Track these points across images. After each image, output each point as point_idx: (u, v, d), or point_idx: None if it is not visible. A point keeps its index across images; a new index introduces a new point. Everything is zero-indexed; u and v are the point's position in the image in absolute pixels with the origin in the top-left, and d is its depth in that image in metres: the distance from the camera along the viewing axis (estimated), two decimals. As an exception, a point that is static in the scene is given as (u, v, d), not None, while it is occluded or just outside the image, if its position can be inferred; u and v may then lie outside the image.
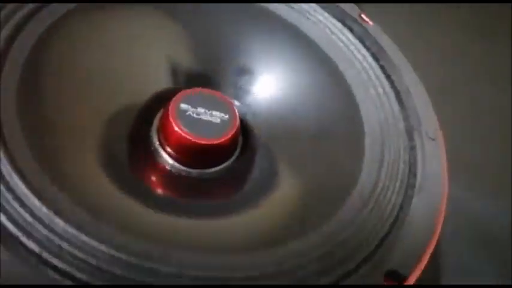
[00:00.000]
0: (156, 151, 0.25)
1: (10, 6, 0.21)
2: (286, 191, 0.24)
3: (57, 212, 0.17)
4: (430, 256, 0.19)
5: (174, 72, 0.27)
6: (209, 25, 0.27)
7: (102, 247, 0.17)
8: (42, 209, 0.17)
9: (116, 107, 0.24)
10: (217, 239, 0.21)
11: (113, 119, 0.24)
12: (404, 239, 0.20)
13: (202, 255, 0.18)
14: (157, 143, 0.25)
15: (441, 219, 0.21)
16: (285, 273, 0.18)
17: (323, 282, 0.18)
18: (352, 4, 0.31)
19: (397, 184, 0.22)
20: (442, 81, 0.39)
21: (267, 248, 0.19)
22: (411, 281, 0.19)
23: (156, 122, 0.26)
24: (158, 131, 0.25)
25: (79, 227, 0.17)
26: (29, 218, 0.17)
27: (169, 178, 0.25)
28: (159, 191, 0.25)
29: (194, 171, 0.25)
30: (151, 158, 0.25)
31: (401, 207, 0.21)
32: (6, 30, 0.21)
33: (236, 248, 0.19)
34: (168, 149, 0.25)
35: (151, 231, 0.21)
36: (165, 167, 0.25)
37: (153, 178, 0.25)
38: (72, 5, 0.23)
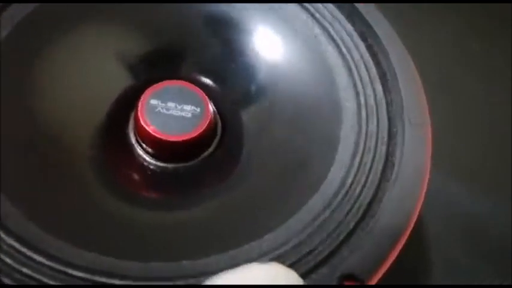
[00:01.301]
0: (133, 147, 0.25)
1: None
2: (253, 184, 0.23)
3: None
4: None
5: (141, 64, 0.26)
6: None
7: None
8: None
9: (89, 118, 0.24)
10: (174, 235, 0.21)
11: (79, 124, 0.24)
12: (367, 240, 0.18)
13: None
14: (134, 139, 0.25)
15: (414, 218, 0.19)
16: None
17: None
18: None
19: (370, 178, 0.21)
20: (442, 80, 0.38)
21: (220, 250, 0.19)
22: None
23: (131, 118, 0.26)
24: (134, 128, 0.25)
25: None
26: None
27: (147, 174, 0.25)
28: (138, 188, 0.25)
29: (170, 166, 0.25)
30: (129, 155, 0.25)
31: (369, 205, 0.20)
32: None
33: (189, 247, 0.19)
34: (144, 146, 0.25)
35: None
36: (142, 163, 0.25)
37: (132, 175, 0.25)
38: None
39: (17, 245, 0.18)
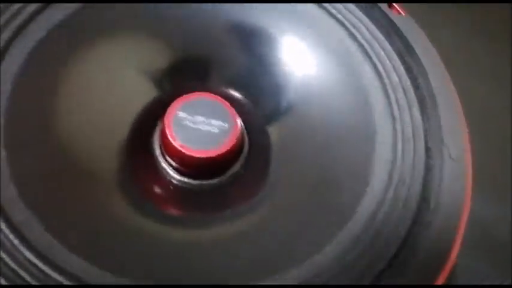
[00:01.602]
0: (157, 161, 0.25)
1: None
2: (277, 209, 0.22)
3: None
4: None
5: (170, 75, 0.25)
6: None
7: None
8: None
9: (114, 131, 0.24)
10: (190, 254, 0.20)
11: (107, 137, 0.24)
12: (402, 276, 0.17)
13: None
14: (159, 151, 0.25)
15: (448, 267, 0.18)
16: None
17: None
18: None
19: (403, 214, 0.19)
20: None
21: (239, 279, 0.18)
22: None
23: (157, 130, 0.25)
24: (159, 141, 0.25)
25: None
26: None
27: (170, 189, 0.25)
28: (161, 203, 0.25)
29: (194, 183, 0.24)
30: (153, 169, 0.25)
31: (401, 247, 0.19)
32: None
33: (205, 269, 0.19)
34: (168, 159, 0.24)
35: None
36: (165, 177, 0.25)
37: (155, 190, 0.25)
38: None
39: (36, 260, 0.17)
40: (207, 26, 0.25)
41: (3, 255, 0.17)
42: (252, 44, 0.25)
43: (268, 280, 0.18)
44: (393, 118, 0.22)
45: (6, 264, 0.17)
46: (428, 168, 0.21)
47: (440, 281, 0.17)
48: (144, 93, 0.25)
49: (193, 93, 0.24)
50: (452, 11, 0.41)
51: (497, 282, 0.29)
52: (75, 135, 0.23)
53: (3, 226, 0.18)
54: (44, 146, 0.22)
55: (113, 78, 0.24)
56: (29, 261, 0.17)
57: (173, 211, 0.25)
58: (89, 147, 0.23)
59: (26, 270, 0.17)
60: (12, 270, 0.17)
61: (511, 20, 0.41)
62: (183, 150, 0.23)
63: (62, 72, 0.23)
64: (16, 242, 0.17)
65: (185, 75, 0.25)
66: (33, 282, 0.17)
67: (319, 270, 0.18)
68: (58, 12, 0.22)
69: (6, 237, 0.17)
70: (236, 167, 0.25)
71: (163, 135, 0.24)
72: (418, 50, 0.24)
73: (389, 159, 0.21)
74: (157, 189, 0.25)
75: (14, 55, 0.21)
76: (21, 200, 0.18)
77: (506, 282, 0.29)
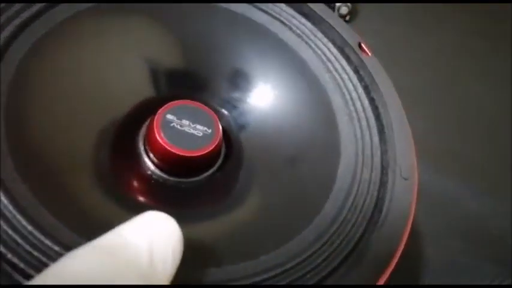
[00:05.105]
0: (139, 156, 0.27)
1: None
2: (250, 209, 0.24)
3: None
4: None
5: (165, 79, 0.28)
6: (201, 33, 0.28)
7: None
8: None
9: (104, 120, 0.26)
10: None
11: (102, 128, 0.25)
12: (351, 274, 0.20)
13: None
14: (142, 148, 0.27)
15: (395, 261, 0.21)
16: None
17: None
18: (355, 33, 0.31)
19: (359, 219, 0.23)
20: (442, 80, 0.39)
21: (214, 265, 0.20)
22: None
23: (143, 128, 0.27)
24: (144, 137, 0.27)
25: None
26: None
27: (149, 183, 0.26)
28: (137, 195, 0.26)
29: (172, 179, 0.26)
30: (134, 162, 0.27)
31: (356, 244, 0.21)
32: None
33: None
34: (151, 156, 0.26)
35: None
36: (146, 172, 0.26)
37: (133, 182, 0.27)
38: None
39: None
40: (216, 40, 0.28)
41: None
42: (243, 71, 0.29)
43: (241, 265, 0.20)
44: (356, 139, 0.26)
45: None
46: (382, 183, 0.24)
47: (388, 272, 0.20)
48: (139, 91, 0.27)
49: (183, 100, 0.27)
50: (453, 11, 0.41)
51: (497, 282, 0.29)
52: (65, 115, 0.24)
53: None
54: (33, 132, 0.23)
55: (113, 69, 0.26)
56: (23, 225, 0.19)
57: (150, 204, 0.26)
58: (73, 135, 0.25)
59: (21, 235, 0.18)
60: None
61: (511, 20, 0.41)
62: (168, 148, 0.25)
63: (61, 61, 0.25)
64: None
65: (181, 81, 0.28)
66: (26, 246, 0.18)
67: (285, 259, 0.21)
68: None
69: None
70: (213, 169, 0.27)
71: (151, 133, 0.26)
72: (381, 86, 0.28)
73: (351, 174, 0.24)
74: (136, 182, 0.26)
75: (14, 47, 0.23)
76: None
77: (506, 282, 0.29)
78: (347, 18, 0.61)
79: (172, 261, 0.16)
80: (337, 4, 0.61)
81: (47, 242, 0.18)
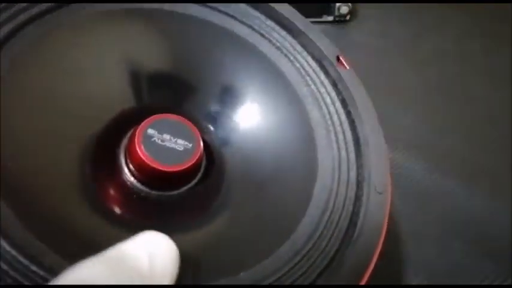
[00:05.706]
0: (120, 167, 0.27)
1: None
2: (229, 224, 0.25)
3: None
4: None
5: (147, 89, 0.28)
6: (185, 44, 0.28)
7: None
8: None
9: (86, 131, 0.26)
10: None
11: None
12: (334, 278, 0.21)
13: None
14: (123, 161, 0.27)
15: (369, 271, 0.22)
16: None
17: None
18: (334, 46, 0.31)
19: (335, 234, 0.23)
20: (442, 80, 0.39)
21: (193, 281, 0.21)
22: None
23: (125, 140, 0.27)
24: (125, 150, 0.27)
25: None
26: None
27: (130, 197, 0.27)
28: (117, 208, 0.27)
29: (153, 192, 0.27)
30: (116, 176, 0.27)
31: (332, 259, 0.22)
32: None
33: None
34: (132, 169, 0.27)
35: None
36: (127, 185, 0.27)
37: (115, 195, 0.27)
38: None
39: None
40: (204, 51, 0.28)
41: None
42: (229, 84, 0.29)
43: (221, 281, 0.21)
44: (333, 154, 0.27)
45: None
46: (357, 198, 0.25)
47: (363, 283, 0.21)
48: (120, 99, 0.27)
49: (165, 114, 0.27)
50: (453, 11, 0.41)
51: (497, 282, 0.29)
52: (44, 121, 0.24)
53: None
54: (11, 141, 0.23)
55: (92, 82, 0.26)
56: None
57: (130, 217, 0.27)
58: (54, 144, 0.25)
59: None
60: None
61: (511, 20, 0.41)
62: (148, 163, 0.26)
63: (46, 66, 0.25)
64: None
65: (163, 90, 0.28)
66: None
67: (265, 273, 0.21)
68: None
69: None
70: (193, 183, 0.27)
71: (132, 147, 0.26)
72: (358, 100, 0.29)
73: (328, 189, 0.25)
74: (116, 194, 0.27)
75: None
76: None
77: (506, 282, 0.29)
78: (347, 18, 0.62)
79: (171, 272, 0.18)
80: (337, 4, 0.62)
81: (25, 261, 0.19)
